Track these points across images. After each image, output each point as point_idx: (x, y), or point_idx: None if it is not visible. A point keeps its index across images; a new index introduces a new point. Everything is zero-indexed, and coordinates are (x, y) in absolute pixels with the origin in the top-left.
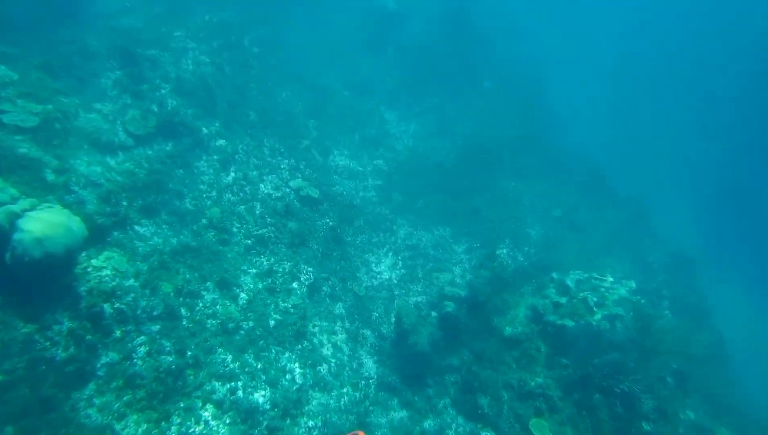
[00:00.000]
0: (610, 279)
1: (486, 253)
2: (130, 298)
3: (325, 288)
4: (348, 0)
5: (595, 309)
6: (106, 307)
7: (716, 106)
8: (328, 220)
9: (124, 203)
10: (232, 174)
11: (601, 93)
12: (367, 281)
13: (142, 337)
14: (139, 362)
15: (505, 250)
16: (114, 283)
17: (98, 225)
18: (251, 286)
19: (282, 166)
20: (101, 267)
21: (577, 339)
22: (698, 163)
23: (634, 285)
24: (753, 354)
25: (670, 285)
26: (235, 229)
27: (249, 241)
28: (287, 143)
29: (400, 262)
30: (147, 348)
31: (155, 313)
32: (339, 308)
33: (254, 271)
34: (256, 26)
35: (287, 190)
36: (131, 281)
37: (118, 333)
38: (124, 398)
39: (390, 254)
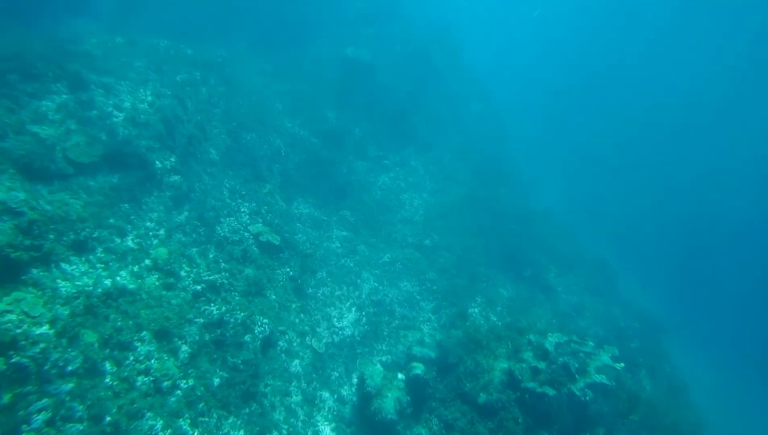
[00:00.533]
0: (591, 343)
1: (457, 311)
2: (37, 350)
3: (281, 343)
4: (319, 49)
5: (577, 376)
6: None
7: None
8: (288, 270)
9: (51, 236)
10: (186, 213)
11: (568, 157)
12: (327, 337)
13: (45, 401)
14: None
15: (476, 309)
16: (19, 331)
17: (11, 260)
18: (196, 337)
19: (242, 210)
20: (4, 311)
21: (560, 410)
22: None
23: (617, 352)
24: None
25: (645, 353)
26: (183, 273)
27: (198, 287)
28: (249, 186)
29: (364, 318)
30: (49, 415)
31: (70, 368)
32: (296, 366)
33: (202, 320)
34: (223, 66)
35: (246, 234)
36: (44, 328)
37: (5, 398)
38: None
39: (353, 309)
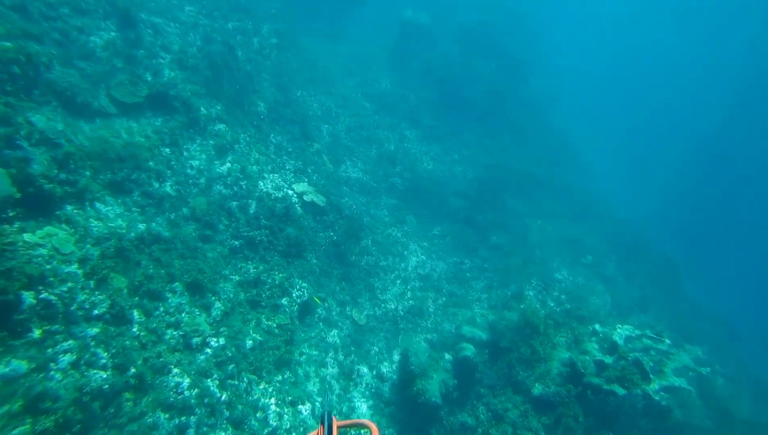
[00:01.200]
0: (668, 341)
1: (512, 292)
2: (65, 289)
3: (319, 310)
4: (375, 11)
5: (651, 376)
6: (27, 296)
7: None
8: (332, 234)
9: (87, 173)
10: (228, 164)
11: (633, 143)
12: (369, 309)
13: (70, 342)
14: (58, 376)
15: (531, 292)
16: (49, 267)
17: (43, 191)
18: (231, 295)
19: (287, 167)
20: (36, 244)
21: (632, 413)
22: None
23: (700, 353)
24: None
25: (720, 359)
26: (221, 226)
27: (236, 243)
28: (296, 144)
29: (408, 293)
30: (74, 357)
31: (96, 311)
32: (333, 336)
33: (237, 278)
34: (276, 19)
35: (289, 192)
36: (74, 267)
37: (36, 333)
38: (15, 431)
39: (398, 282)
